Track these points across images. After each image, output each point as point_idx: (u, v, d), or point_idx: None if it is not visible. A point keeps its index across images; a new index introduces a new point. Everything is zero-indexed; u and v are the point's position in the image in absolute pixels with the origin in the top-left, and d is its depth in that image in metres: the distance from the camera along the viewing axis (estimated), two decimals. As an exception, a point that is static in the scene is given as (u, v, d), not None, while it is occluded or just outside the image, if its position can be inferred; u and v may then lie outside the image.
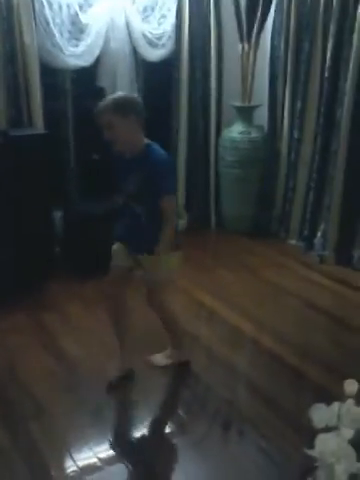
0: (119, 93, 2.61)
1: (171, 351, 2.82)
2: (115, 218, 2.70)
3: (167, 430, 2.42)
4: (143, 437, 2.36)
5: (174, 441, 2.35)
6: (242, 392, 2.72)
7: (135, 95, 2.53)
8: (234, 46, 4.22)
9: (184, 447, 2.29)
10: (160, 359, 2.80)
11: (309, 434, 1.27)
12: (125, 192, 2.54)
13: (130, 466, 2.20)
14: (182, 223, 4.66)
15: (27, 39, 3.56)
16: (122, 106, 2.38)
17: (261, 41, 4.17)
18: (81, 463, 2.18)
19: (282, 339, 3.05)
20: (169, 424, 2.44)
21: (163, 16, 4.11)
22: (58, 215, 3.93)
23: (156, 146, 2.49)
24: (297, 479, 2.05)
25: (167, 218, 2.48)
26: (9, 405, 2.50)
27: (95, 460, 2.20)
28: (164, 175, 2.45)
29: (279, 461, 2.20)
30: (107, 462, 2.19)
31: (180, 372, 2.76)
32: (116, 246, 2.66)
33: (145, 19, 4.05)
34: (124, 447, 2.32)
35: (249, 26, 4.08)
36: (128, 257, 2.62)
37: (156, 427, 2.42)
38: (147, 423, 2.44)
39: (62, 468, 2.17)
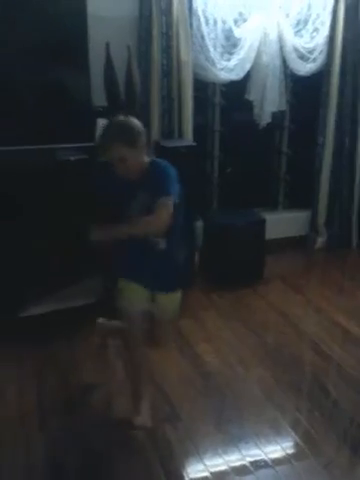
0: (120, 120, 2.22)
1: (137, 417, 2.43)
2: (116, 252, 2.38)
3: (295, 450, 2.37)
4: (273, 452, 2.33)
5: (303, 461, 2.29)
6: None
7: (132, 117, 2.22)
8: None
9: (312, 468, 2.22)
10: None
11: None
12: (131, 218, 2.23)
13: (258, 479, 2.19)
14: (321, 241, 4.56)
15: (184, 55, 3.70)
16: (132, 136, 2.15)
17: None
18: (212, 469, 2.20)
19: None
20: (299, 442, 2.39)
21: (316, 30, 4.07)
22: (199, 225, 4.03)
23: (159, 159, 2.29)
24: None
25: (154, 218, 2.14)
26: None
27: (226, 468, 2.22)
28: (165, 178, 2.17)
29: None
30: (237, 472, 2.20)
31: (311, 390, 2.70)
32: (128, 286, 2.34)
33: (298, 33, 4.04)
34: (253, 459, 2.29)
35: None
36: (147, 297, 2.37)
37: (285, 443, 2.38)
38: (278, 439, 2.41)
39: (194, 473, 2.21)
